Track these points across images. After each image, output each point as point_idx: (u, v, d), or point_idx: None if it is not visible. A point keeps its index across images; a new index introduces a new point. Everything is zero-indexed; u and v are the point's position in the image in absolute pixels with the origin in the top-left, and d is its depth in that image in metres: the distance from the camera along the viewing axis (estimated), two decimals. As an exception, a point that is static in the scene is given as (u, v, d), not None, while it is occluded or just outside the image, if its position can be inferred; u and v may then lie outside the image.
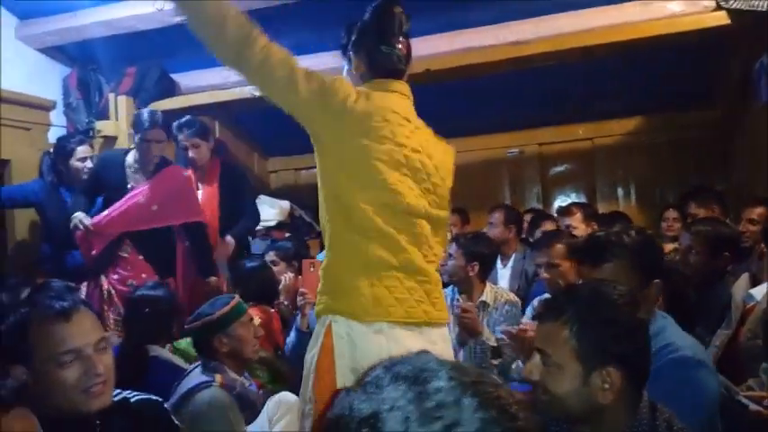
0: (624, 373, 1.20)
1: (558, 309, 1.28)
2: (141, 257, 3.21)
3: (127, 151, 3.36)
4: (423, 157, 1.75)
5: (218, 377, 2.05)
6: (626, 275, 1.58)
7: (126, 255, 3.20)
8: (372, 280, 1.66)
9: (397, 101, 1.76)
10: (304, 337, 2.56)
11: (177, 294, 2.91)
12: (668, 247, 3.20)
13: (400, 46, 1.77)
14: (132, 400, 1.55)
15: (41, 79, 4.01)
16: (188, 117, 3.50)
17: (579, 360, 1.21)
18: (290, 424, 2.33)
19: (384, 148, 1.69)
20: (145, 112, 3.30)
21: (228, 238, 3.45)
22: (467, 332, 2.59)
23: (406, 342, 1.64)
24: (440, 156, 1.81)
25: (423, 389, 0.59)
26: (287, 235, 4.21)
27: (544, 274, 2.65)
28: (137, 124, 3.25)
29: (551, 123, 4.99)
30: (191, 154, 3.44)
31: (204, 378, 2.05)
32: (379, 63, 1.77)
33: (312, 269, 2.73)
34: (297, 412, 2.17)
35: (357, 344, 1.64)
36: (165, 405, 1.73)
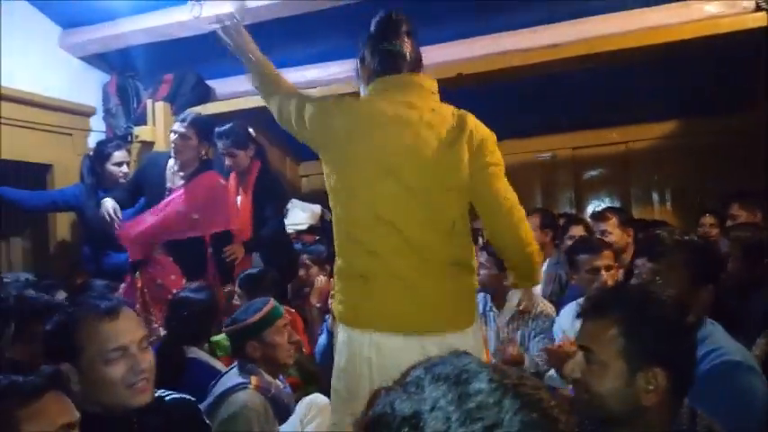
0: (669, 376, 1.18)
1: (605, 306, 1.26)
2: (171, 259, 3.24)
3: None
4: (403, 160, 1.69)
5: (253, 379, 2.06)
6: (681, 273, 1.58)
7: (156, 255, 3.23)
8: (354, 288, 1.73)
9: (378, 103, 1.75)
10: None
11: (218, 297, 2.93)
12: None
13: (402, 43, 1.78)
14: (167, 399, 1.59)
15: (82, 86, 4.12)
16: (228, 126, 3.47)
17: (625, 359, 1.19)
18: (321, 425, 2.35)
19: (352, 158, 1.71)
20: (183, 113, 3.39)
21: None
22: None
23: (390, 351, 1.65)
24: (434, 153, 1.70)
25: (464, 389, 0.59)
26: (317, 238, 4.24)
27: (604, 275, 2.62)
28: None
29: (585, 127, 4.92)
30: (227, 162, 3.48)
31: (240, 380, 2.06)
32: (380, 61, 1.79)
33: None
34: (327, 414, 2.20)
35: (344, 345, 1.74)
36: (201, 405, 1.76)
